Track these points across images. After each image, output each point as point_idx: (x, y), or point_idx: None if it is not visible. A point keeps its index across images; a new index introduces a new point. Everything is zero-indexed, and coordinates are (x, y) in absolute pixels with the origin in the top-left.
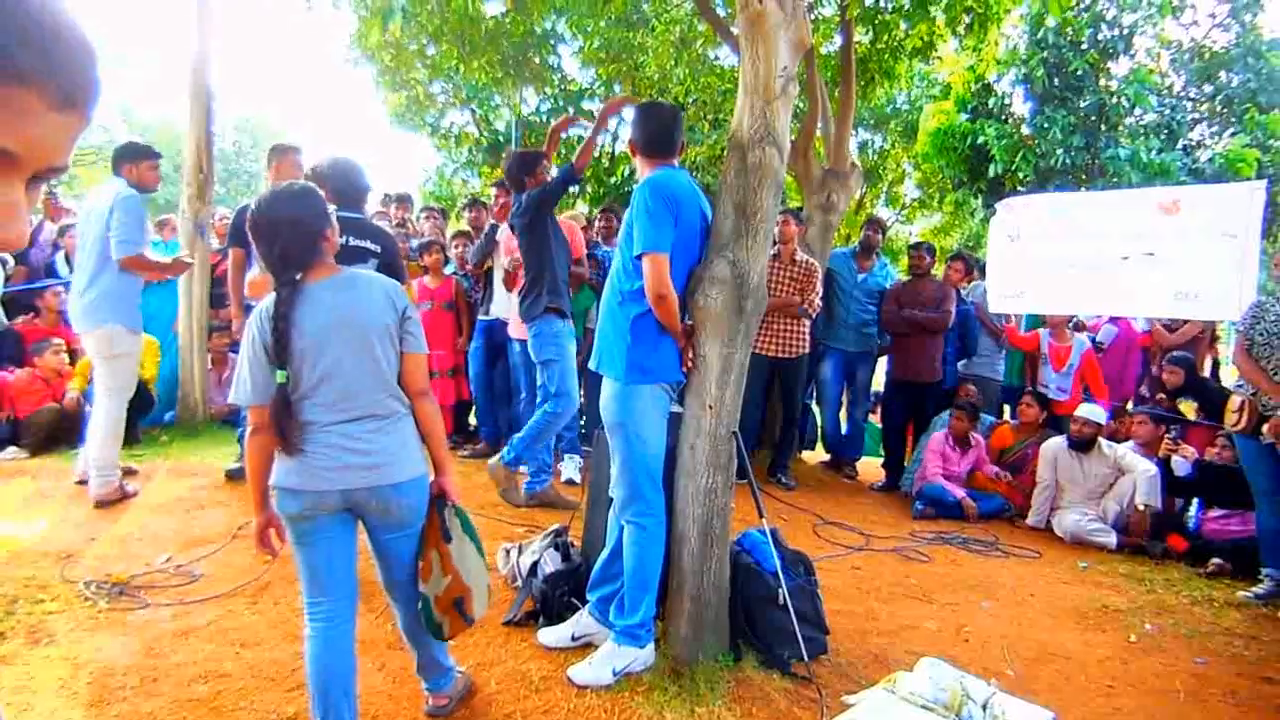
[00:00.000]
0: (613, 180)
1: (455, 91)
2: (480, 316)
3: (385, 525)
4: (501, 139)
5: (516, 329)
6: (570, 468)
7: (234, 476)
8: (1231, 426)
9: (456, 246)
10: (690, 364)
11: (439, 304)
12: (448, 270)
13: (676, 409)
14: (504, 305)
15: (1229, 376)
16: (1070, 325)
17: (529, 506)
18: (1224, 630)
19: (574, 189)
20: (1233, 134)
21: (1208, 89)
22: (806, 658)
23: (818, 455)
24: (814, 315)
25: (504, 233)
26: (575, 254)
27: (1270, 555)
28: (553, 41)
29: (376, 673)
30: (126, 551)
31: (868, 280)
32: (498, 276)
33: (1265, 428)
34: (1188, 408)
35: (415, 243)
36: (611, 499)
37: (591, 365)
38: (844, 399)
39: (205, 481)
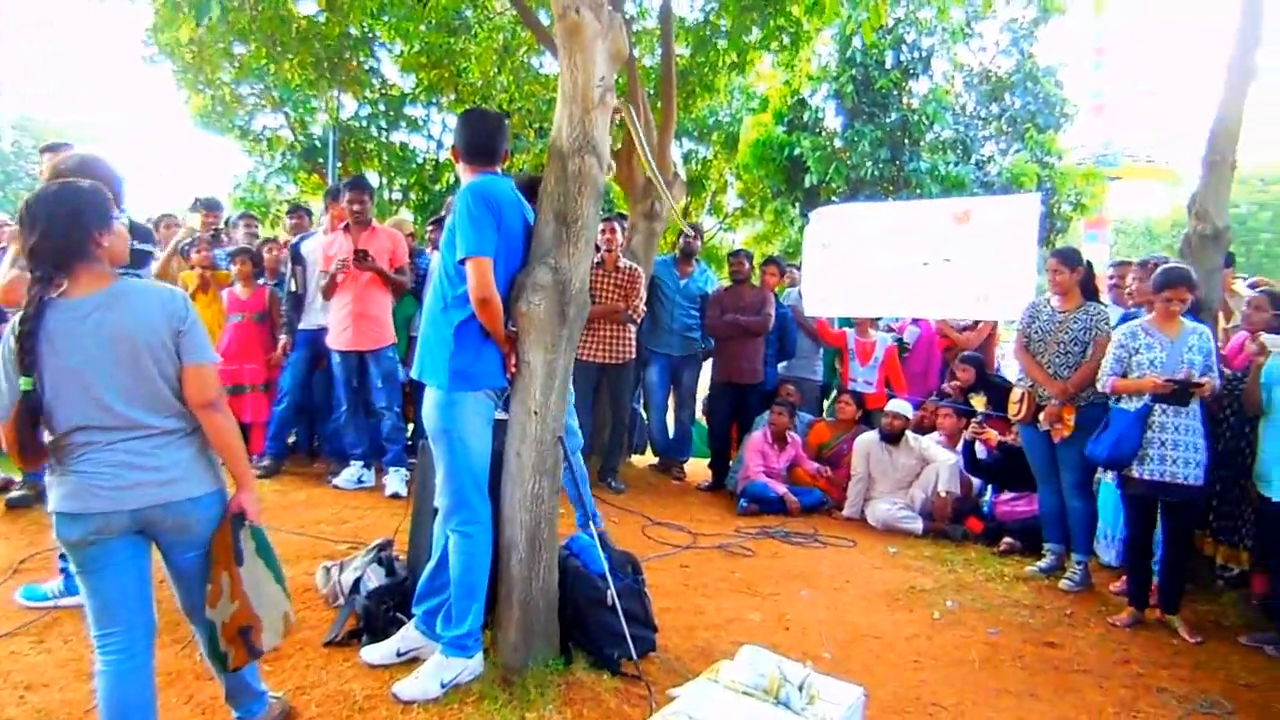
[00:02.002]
0: (438, 188)
1: (266, 93)
2: (301, 326)
3: (184, 543)
4: (318, 143)
5: (336, 339)
6: (396, 481)
7: (15, 505)
8: (1014, 417)
9: (270, 251)
10: (514, 370)
11: (250, 315)
12: (260, 280)
13: (501, 415)
14: (323, 314)
15: (1005, 370)
16: (880, 326)
17: None
18: (1014, 602)
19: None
20: (1016, 151)
21: (995, 109)
22: (635, 656)
23: (647, 458)
24: (639, 321)
25: (315, 246)
26: (397, 262)
27: (1051, 532)
28: (371, 44)
29: (183, 705)
30: None
31: (689, 285)
32: (313, 286)
33: (1041, 416)
34: (978, 401)
35: (225, 251)
36: (437, 510)
37: (414, 374)
38: (670, 402)
39: None
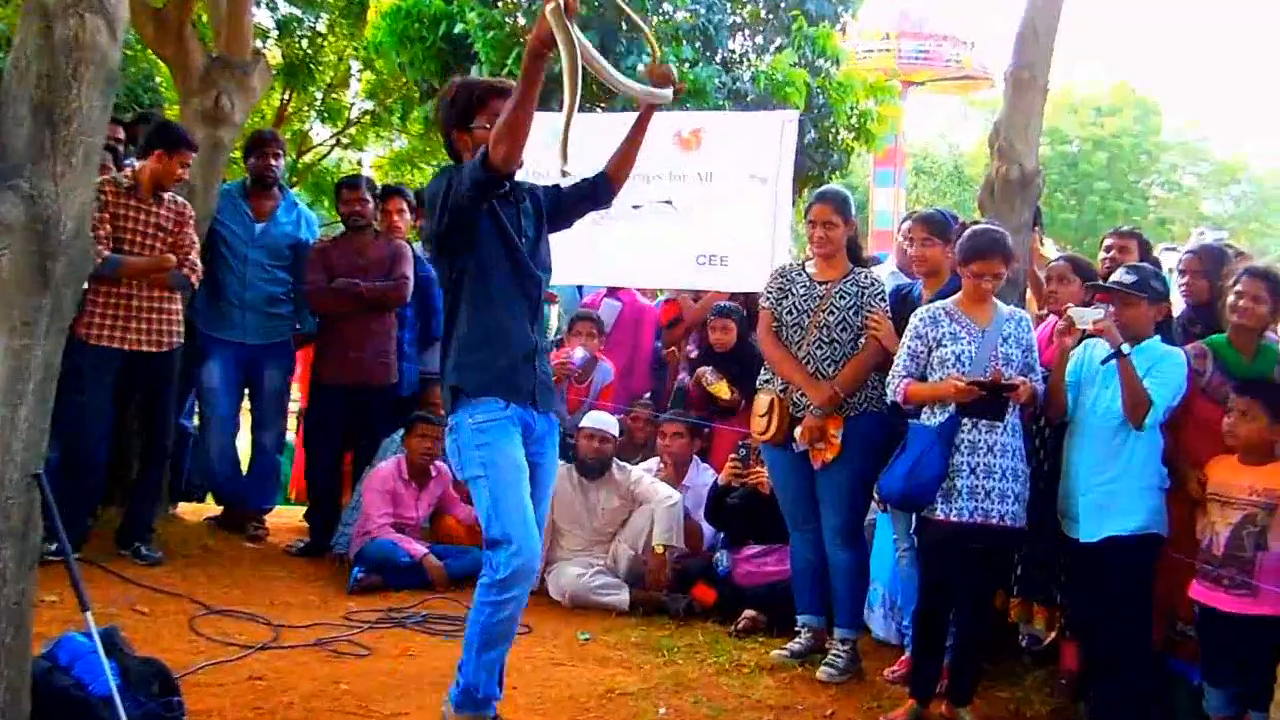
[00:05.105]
0: None
1: None
2: None
3: None
4: None
5: None
6: None
7: None
8: (760, 435)
9: None
10: None
11: None
12: None
13: None
14: None
15: None
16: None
17: None
18: (754, 704)
19: None
20: (779, 48)
21: None
22: None
23: (205, 507)
24: (195, 286)
25: None
26: None
27: (806, 599)
28: None
29: None
30: None
31: (272, 232)
32: None
33: (797, 432)
34: (720, 388)
35: None
36: None
37: None
38: (245, 418)
39: None
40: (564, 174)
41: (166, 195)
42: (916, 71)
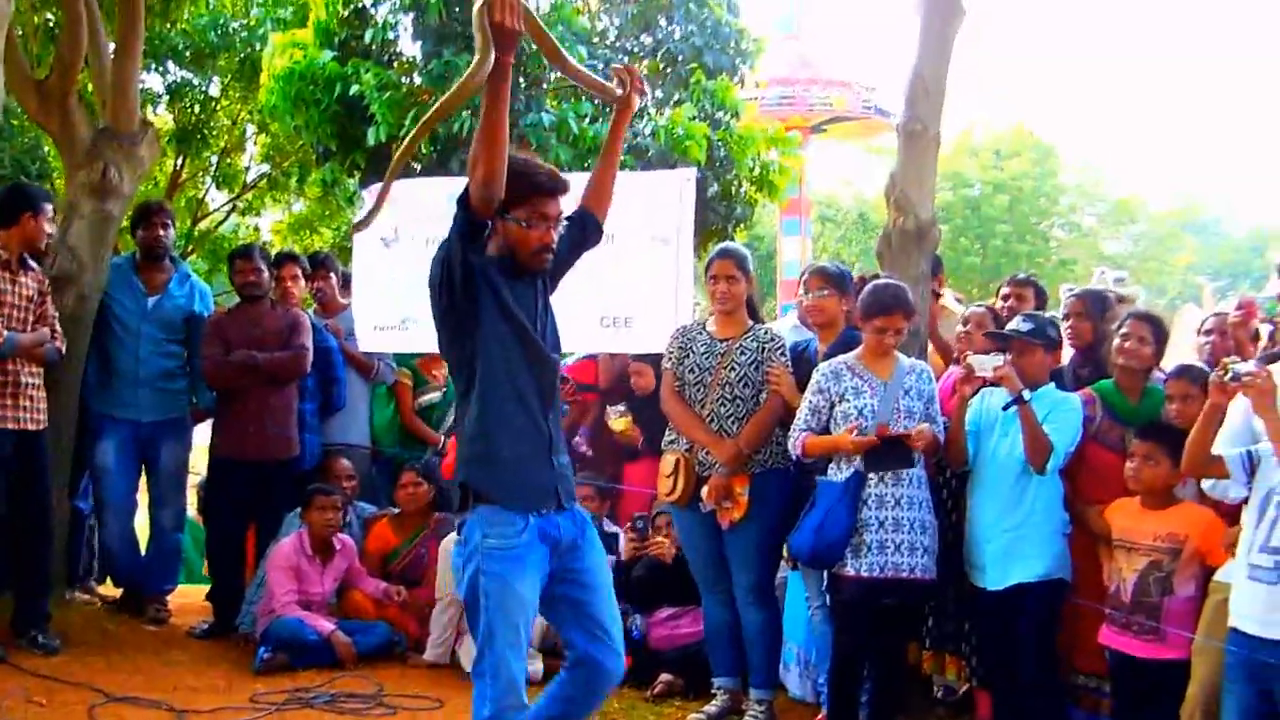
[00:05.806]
0: None
1: None
2: None
3: None
4: None
5: None
6: None
7: None
8: (666, 496)
9: None
10: None
11: None
12: None
13: None
14: None
15: None
16: None
17: None
18: None
19: None
20: (678, 102)
21: (647, 41)
22: None
23: (104, 591)
24: (61, 354)
25: None
26: None
27: (720, 660)
28: None
29: None
30: None
31: (165, 304)
32: None
33: (704, 491)
34: (618, 423)
35: None
36: None
37: None
38: (142, 497)
39: None
40: (356, 226)
41: (30, 264)
42: (788, 118)
